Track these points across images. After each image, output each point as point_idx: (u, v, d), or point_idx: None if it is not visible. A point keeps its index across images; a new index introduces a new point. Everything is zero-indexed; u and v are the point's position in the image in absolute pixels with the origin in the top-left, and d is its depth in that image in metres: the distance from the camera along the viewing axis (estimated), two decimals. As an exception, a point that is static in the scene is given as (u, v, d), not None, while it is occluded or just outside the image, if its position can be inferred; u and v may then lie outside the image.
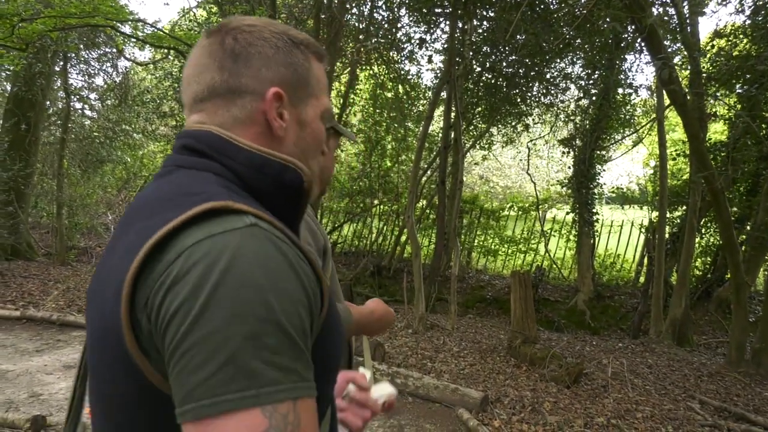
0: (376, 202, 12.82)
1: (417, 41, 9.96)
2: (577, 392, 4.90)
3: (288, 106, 0.79)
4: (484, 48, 9.68)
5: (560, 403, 4.60)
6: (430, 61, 12.12)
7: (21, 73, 10.00)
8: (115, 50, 12.72)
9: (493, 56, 9.83)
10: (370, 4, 10.17)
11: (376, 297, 7.61)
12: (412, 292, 7.42)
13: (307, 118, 0.82)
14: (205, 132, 0.76)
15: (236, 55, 0.76)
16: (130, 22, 8.38)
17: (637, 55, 10.01)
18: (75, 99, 13.08)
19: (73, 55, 11.87)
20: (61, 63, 11.67)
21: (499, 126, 11.54)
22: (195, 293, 0.57)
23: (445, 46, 8.77)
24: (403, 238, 11.36)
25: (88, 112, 15.19)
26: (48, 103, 12.34)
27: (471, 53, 9.53)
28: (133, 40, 9.08)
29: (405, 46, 10.48)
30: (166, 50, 10.43)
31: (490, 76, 10.29)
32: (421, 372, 5.27)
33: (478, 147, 12.37)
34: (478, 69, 10.08)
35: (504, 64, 9.89)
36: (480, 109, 10.79)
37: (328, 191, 12.96)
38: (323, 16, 9.54)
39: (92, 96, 14.80)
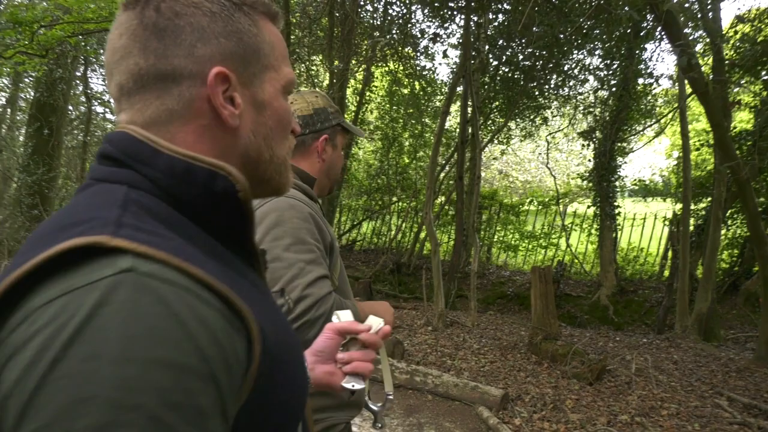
0: (394, 199, 12.79)
1: (431, 36, 9.89)
2: (600, 389, 4.81)
3: (238, 87, 0.64)
4: (500, 41, 9.57)
5: (582, 401, 4.52)
6: (445, 56, 12.06)
7: (43, 79, 10.19)
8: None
9: (510, 49, 9.71)
10: (383, 0, 10.12)
11: (395, 294, 7.58)
12: (432, 289, 7.38)
13: (266, 96, 0.67)
14: (119, 134, 0.62)
15: (161, 30, 0.61)
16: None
17: (658, 44, 9.78)
18: (96, 103, 13.31)
19: (93, 59, 12.05)
20: (82, 68, 11.86)
21: (517, 120, 11.41)
22: (28, 373, 0.42)
23: (460, 40, 8.68)
24: (422, 234, 11.30)
25: (109, 116, 15.46)
26: (70, 107, 12.56)
27: (487, 47, 9.42)
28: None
29: (420, 41, 10.41)
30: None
31: (507, 70, 10.17)
32: (441, 370, 5.23)
33: (496, 141, 12.25)
34: (495, 63, 9.97)
35: (521, 56, 9.77)
36: (497, 103, 10.67)
37: (346, 188, 13.02)
38: (337, 14, 9.53)
39: (112, 100, 14.99)
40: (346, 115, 11.99)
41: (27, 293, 0.46)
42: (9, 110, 15.00)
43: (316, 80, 12.37)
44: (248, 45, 0.65)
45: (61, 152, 11.47)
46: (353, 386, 0.93)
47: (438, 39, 9.75)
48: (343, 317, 0.98)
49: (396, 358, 5.47)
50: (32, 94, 12.16)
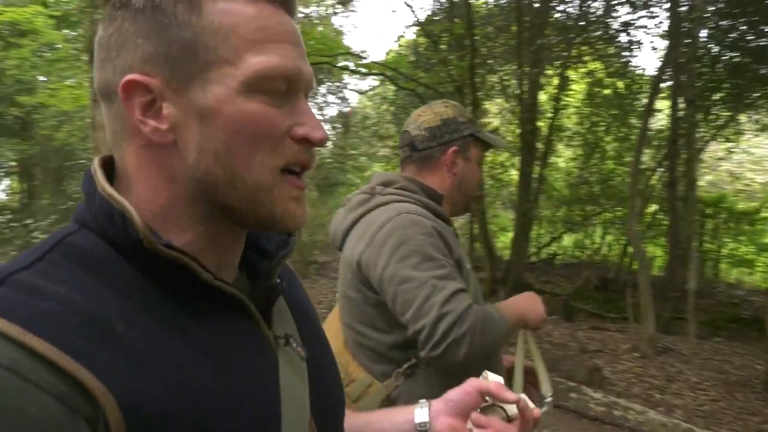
0: (597, 209, 11.83)
1: (635, 28, 8.95)
2: None
3: (168, 95, 0.53)
4: (723, 23, 8.26)
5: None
6: (654, 48, 10.84)
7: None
8: (340, 83, 14.14)
9: (736, 31, 8.32)
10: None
11: (600, 313, 6.93)
12: (639, 309, 6.57)
13: (209, 102, 0.53)
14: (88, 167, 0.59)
15: (103, 41, 0.55)
16: (345, 55, 9.15)
17: None
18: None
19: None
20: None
21: (748, 112, 9.71)
22: None
23: (666, 30, 7.69)
24: (631, 248, 10.23)
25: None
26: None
27: (704, 31, 8.19)
28: (346, 72, 9.90)
29: (620, 37, 9.51)
30: (380, 77, 11.10)
31: (732, 55, 8.73)
32: (647, 405, 4.58)
33: (722, 139, 10.58)
34: (716, 48, 8.63)
35: (749, 37, 8.30)
36: (721, 94, 9.21)
37: (543, 199, 12.41)
38: (526, 19, 9.18)
39: (326, 127, 16.69)
40: (541, 122, 11.47)
41: None
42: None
43: (508, 90, 12.10)
44: (176, 40, 0.52)
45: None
46: None
47: (644, 29, 8.81)
48: (491, 378, 0.86)
49: (593, 386, 4.94)
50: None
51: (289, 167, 0.56)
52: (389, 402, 1.30)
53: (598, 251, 11.33)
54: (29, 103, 10.84)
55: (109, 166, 0.58)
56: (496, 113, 13.31)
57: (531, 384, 1.51)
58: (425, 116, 1.50)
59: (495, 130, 12.05)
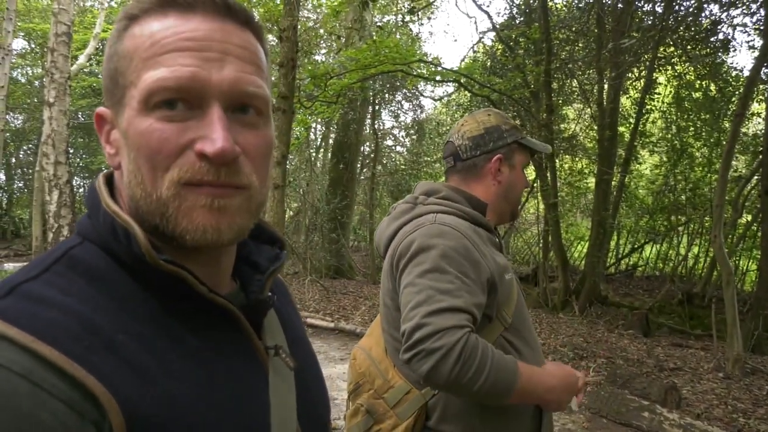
0: (683, 218, 11.16)
1: (729, 26, 8.41)
2: None
3: (116, 122, 0.57)
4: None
5: None
6: (751, 47, 10.09)
7: (339, 121, 12.01)
8: (415, 90, 14.24)
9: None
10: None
11: (683, 329, 6.54)
12: (725, 326, 6.15)
13: (124, 125, 0.55)
14: (93, 181, 0.62)
15: None
16: (419, 62, 9.23)
17: None
18: (390, 138, 15.09)
19: (379, 99, 13.70)
20: (370, 108, 13.57)
21: None
22: None
23: (762, 27, 7.17)
24: (720, 260, 9.57)
25: (399, 148, 17.31)
26: (366, 143, 14.50)
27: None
28: (420, 79, 9.97)
29: (712, 37, 8.94)
30: (455, 83, 11.10)
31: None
32: (729, 429, 4.28)
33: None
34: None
35: None
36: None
37: (623, 208, 11.86)
38: (607, 21, 8.85)
39: (400, 134, 16.83)
40: (623, 128, 10.98)
41: None
42: (321, 151, 18.02)
43: (588, 95, 11.70)
44: (108, 71, 0.57)
45: (354, 183, 13.25)
46: None
47: (739, 27, 8.25)
48: None
49: (668, 406, 4.67)
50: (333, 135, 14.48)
51: (190, 182, 0.54)
52: (426, 409, 1.30)
53: (683, 264, 10.67)
54: None
55: (111, 182, 0.62)
56: (573, 118, 12.91)
57: None
58: (468, 126, 1.49)
59: (573, 137, 11.70)
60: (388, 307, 1.40)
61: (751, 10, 8.20)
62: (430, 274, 1.23)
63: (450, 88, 13.37)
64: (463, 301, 1.19)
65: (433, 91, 20.57)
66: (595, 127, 11.24)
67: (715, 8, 8.86)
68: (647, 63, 9.82)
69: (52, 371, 0.46)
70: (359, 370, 1.42)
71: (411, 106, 15.38)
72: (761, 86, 7.54)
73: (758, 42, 9.49)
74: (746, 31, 9.27)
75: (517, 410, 1.29)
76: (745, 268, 10.61)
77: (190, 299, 0.57)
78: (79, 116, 16.96)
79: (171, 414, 0.51)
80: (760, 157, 8.77)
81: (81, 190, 17.00)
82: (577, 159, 12.24)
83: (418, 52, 11.26)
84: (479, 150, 1.47)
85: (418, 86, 13.91)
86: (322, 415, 0.73)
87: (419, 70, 9.38)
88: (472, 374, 1.12)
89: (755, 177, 9.39)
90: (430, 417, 1.30)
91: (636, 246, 12.16)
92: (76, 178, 17.61)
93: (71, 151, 13.82)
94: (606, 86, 9.45)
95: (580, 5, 9.71)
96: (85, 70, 13.33)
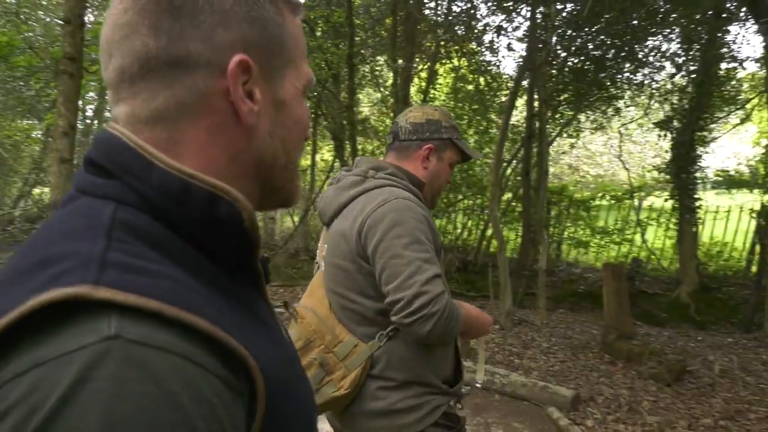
0: (459, 196, 12.67)
1: (495, 29, 9.73)
2: (679, 391, 4.57)
3: (259, 81, 0.56)
4: (568, 31, 9.27)
5: (660, 403, 4.31)
6: (510, 49, 11.84)
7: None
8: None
9: (579, 39, 9.40)
10: (446, -4, 10.05)
11: (462, 293, 7.51)
12: (499, 287, 7.26)
13: (286, 95, 0.60)
14: (109, 138, 0.53)
15: (177, 7, 0.52)
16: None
17: (743, 24, 9.13)
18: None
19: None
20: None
21: (588, 112, 11.01)
22: None
23: (526, 33, 8.49)
24: (489, 232, 11.15)
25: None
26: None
27: (554, 38, 9.16)
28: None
29: (483, 36, 10.26)
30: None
31: (576, 61, 9.85)
32: (509, 369, 5.14)
33: (565, 135, 11.87)
34: (563, 54, 9.67)
35: (590, 46, 9.43)
36: (566, 95, 10.35)
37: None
38: (400, 13, 9.55)
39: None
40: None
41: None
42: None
43: (380, 80, 12.47)
44: (273, 35, 0.58)
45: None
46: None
47: (502, 32, 9.59)
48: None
49: (462, 356, 5.41)
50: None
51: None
52: (372, 360, 1.48)
53: (459, 236, 12.13)
54: None
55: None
56: (367, 103, 13.64)
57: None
58: (414, 113, 1.68)
59: (365, 120, 12.40)
60: (344, 269, 1.52)
61: (513, 18, 9.63)
62: (412, 246, 1.40)
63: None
64: (437, 267, 1.41)
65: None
66: (385, 111, 12.09)
67: (484, 10, 10.20)
68: (432, 55, 10.84)
69: (203, 344, 0.42)
70: (310, 328, 1.53)
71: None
72: (524, 83, 8.89)
73: (518, 46, 11.17)
74: (507, 36, 10.89)
75: (444, 349, 1.56)
76: (507, 238, 12.52)
77: (236, 266, 0.56)
78: None
79: (283, 374, 0.53)
80: (520, 144, 10.44)
81: None
82: (368, 141, 12.98)
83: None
84: (415, 135, 1.64)
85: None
86: None
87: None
88: (452, 327, 1.39)
89: (514, 161, 11.15)
90: (375, 366, 1.48)
91: (421, 221, 13.40)
92: None
93: None
94: (396, 74, 10.20)
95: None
96: None
